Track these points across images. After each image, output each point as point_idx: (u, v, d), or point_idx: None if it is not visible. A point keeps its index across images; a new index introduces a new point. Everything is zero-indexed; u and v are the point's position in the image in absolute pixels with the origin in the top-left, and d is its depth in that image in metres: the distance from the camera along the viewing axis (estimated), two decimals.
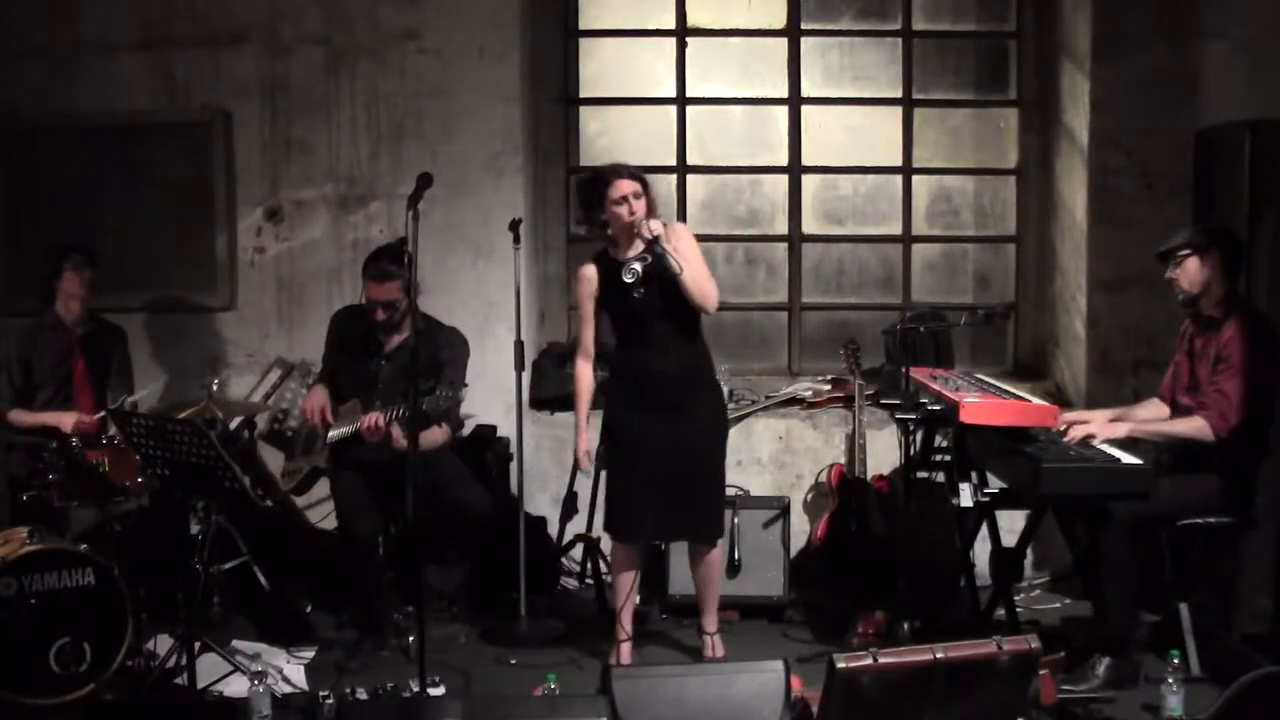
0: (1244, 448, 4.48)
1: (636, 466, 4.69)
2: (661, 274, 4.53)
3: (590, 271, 4.72)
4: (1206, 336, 4.61)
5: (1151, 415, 4.86)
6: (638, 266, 4.49)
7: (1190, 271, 4.59)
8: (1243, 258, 4.68)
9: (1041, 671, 3.82)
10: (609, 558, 4.93)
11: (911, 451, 4.90)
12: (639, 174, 4.64)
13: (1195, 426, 4.47)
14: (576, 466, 4.99)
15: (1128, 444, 4.49)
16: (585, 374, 4.81)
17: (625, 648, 4.83)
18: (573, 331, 6.40)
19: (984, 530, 4.91)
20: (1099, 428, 4.55)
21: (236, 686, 4.44)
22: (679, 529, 4.79)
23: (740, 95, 6.50)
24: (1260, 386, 4.46)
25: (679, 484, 4.66)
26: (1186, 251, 4.59)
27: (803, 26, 6.41)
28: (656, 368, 4.66)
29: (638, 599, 4.97)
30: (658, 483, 4.65)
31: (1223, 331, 4.53)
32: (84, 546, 4.49)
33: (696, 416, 4.70)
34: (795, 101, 6.43)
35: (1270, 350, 4.50)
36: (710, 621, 4.92)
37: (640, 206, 4.57)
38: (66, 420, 5.03)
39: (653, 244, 4.51)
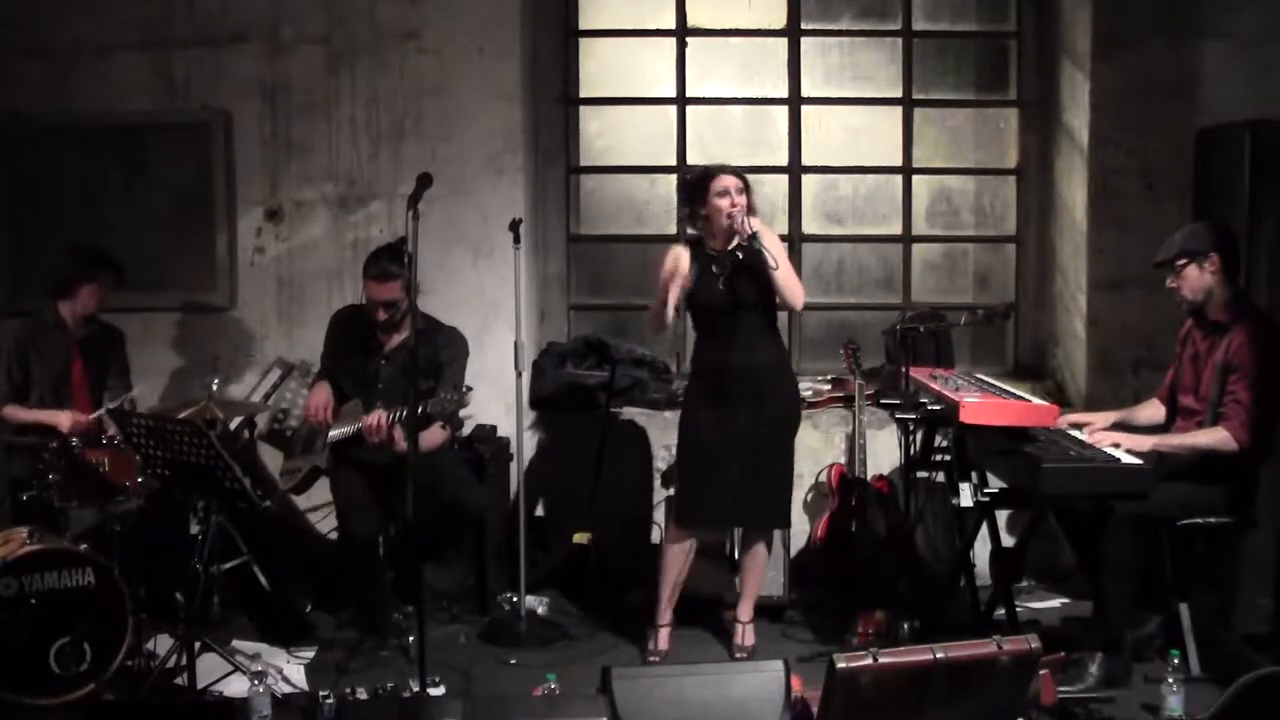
0: (1250, 450, 4.47)
1: (714, 458, 4.76)
2: (749, 269, 4.69)
3: (681, 251, 4.81)
4: (1212, 340, 4.59)
5: (1151, 417, 4.86)
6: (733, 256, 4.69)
7: (1190, 280, 4.57)
8: (1239, 258, 4.66)
9: (1041, 671, 3.82)
10: (663, 550, 5.00)
11: (911, 451, 4.90)
12: (743, 174, 4.78)
13: (1219, 438, 4.45)
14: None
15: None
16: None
17: (664, 633, 4.94)
18: (576, 333, 6.42)
19: (984, 530, 4.91)
20: (1124, 437, 4.53)
21: (236, 686, 4.44)
22: (750, 517, 4.87)
23: (740, 95, 6.50)
24: (1270, 392, 4.45)
25: (754, 473, 4.75)
26: (1184, 261, 4.57)
27: (803, 26, 6.41)
28: (736, 362, 4.74)
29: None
30: (735, 471, 4.74)
31: (1231, 337, 4.50)
32: (84, 546, 4.49)
33: (773, 406, 4.80)
34: (795, 101, 6.43)
35: (1277, 355, 4.48)
36: (745, 610, 4.99)
37: (741, 201, 4.69)
38: (63, 420, 5.02)
39: (751, 239, 4.62)
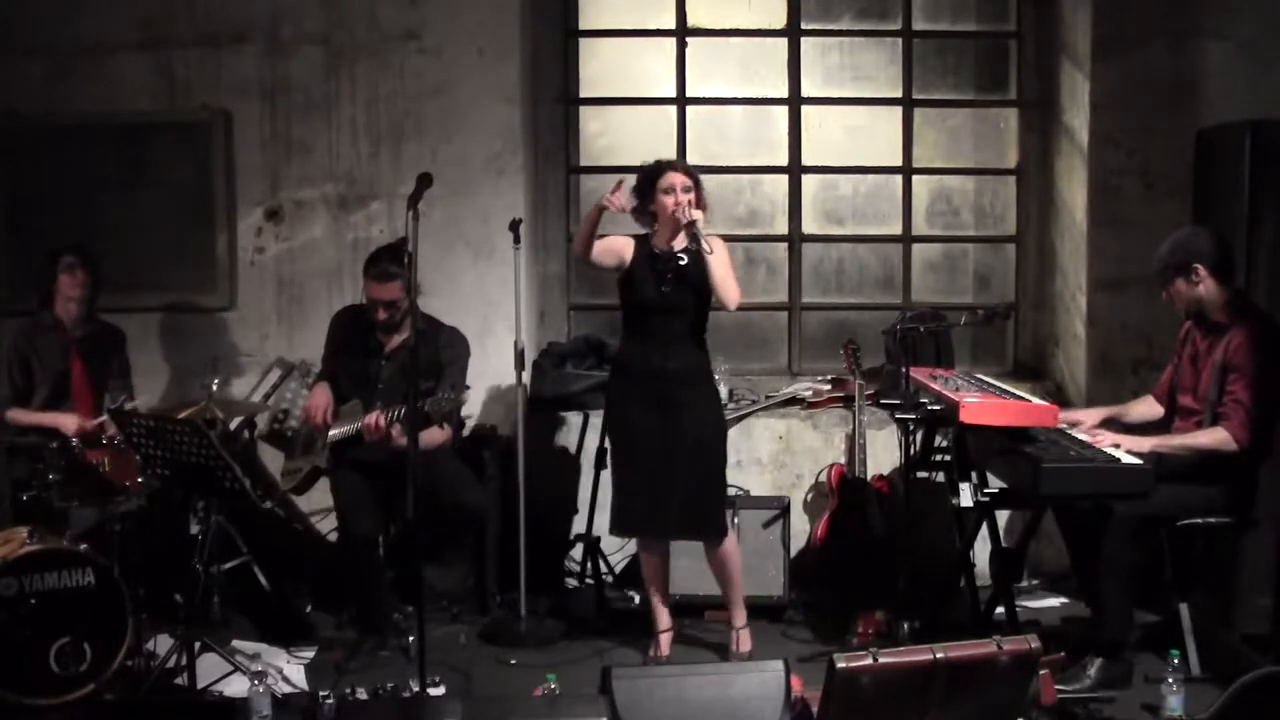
0: (1249, 450, 4.47)
1: (638, 464, 4.75)
2: (688, 274, 4.67)
3: (627, 242, 4.81)
4: (1211, 340, 4.59)
5: (1145, 413, 4.86)
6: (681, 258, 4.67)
7: (1180, 292, 4.59)
8: (1232, 257, 4.65)
9: (1041, 671, 3.82)
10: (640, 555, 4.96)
11: (911, 451, 4.89)
12: (693, 172, 4.78)
13: (1218, 438, 4.44)
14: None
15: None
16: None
17: (664, 639, 4.91)
18: (576, 333, 6.42)
19: (984, 530, 4.91)
20: (1124, 437, 4.52)
21: (236, 686, 4.44)
22: (679, 527, 4.79)
23: (740, 95, 6.50)
24: (1270, 392, 4.44)
25: (678, 482, 4.69)
26: (1169, 276, 4.58)
27: (803, 26, 6.41)
28: (661, 365, 4.70)
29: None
30: (657, 480, 4.70)
31: (1230, 337, 4.50)
32: (84, 546, 4.48)
33: (695, 415, 4.73)
34: (795, 101, 6.44)
35: (1277, 355, 4.48)
36: (737, 616, 4.92)
37: (686, 200, 4.67)
38: (68, 423, 5.02)
39: (690, 225, 4.60)
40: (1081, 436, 4.56)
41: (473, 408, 5.63)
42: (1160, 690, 4.07)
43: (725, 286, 4.64)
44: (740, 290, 4.72)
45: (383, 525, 5.10)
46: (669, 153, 6.38)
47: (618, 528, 4.89)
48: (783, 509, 5.55)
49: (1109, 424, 4.73)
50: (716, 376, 5.66)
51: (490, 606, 5.41)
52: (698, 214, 4.64)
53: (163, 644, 4.69)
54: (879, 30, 6.46)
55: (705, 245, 4.57)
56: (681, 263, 4.71)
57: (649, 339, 4.75)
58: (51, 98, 5.94)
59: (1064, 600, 5.62)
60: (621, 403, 4.84)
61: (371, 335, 5.12)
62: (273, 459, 5.55)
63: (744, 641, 4.91)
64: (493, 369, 5.76)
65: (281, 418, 5.61)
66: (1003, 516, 5.32)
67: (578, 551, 5.80)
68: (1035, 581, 5.82)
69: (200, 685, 4.44)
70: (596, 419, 5.66)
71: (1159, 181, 5.85)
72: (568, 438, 5.99)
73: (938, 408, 4.63)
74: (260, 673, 4.13)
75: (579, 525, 5.75)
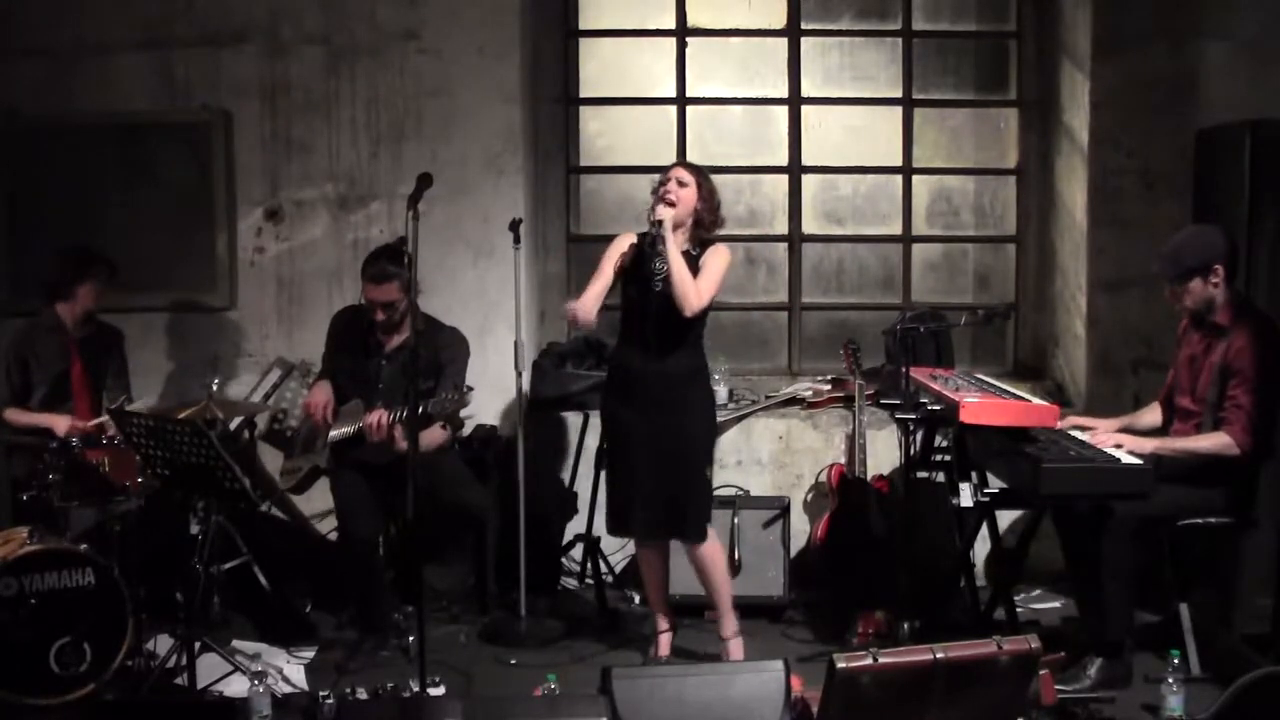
0: (1251, 452, 4.46)
1: (625, 463, 4.73)
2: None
3: (628, 240, 4.72)
4: (1209, 341, 4.59)
5: (1152, 421, 4.85)
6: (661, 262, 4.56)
7: (1195, 293, 4.54)
8: (1238, 257, 4.65)
9: (1041, 671, 3.82)
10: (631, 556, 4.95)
11: (911, 451, 4.89)
12: (701, 171, 4.71)
13: (1220, 443, 4.43)
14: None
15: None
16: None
17: (664, 639, 4.88)
18: (576, 333, 6.42)
19: (984, 530, 4.91)
20: (1126, 438, 4.51)
21: (236, 686, 4.44)
22: (654, 526, 4.74)
23: (740, 95, 6.50)
24: (1271, 395, 4.43)
25: (661, 483, 4.64)
26: (1187, 276, 4.54)
27: (803, 26, 6.42)
28: (643, 365, 4.65)
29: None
30: (635, 479, 4.67)
31: (1231, 340, 4.49)
32: (84, 546, 4.49)
33: (674, 416, 4.65)
34: (795, 101, 6.44)
35: (1278, 357, 4.47)
36: (725, 625, 4.80)
37: (683, 195, 4.61)
38: (60, 424, 5.02)
39: (656, 225, 4.53)
40: (1082, 437, 4.55)
41: (473, 408, 5.62)
42: (1160, 690, 4.07)
43: (681, 291, 4.50)
44: (705, 298, 4.55)
45: (383, 525, 5.10)
46: (669, 153, 6.41)
47: (608, 526, 4.88)
48: (783, 509, 5.55)
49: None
50: (716, 376, 5.68)
51: (490, 606, 5.40)
52: (666, 213, 4.55)
53: (163, 644, 4.69)
54: (879, 30, 6.46)
55: (662, 247, 4.51)
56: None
57: (635, 338, 4.69)
58: (51, 98, 5.94)
59: (1064, 600, 5.61)
60: (608, 401, 4.83)
61: (371, 335, 5.12)
62: (273, 459, 5.55)
63: (734, 653, 4.77)
64: (493, 369, 5.76)
65: (281, 418, 5.61)
66: (1003, 516, 5.32)
67: (578, 551, 5.82)
68: (1034, 583, 5.81)
69: (200, 685, 4.44)
70: (596, 419, 5.65)
71: (1159, 181, 5.85)
72: (568, 438, 5.99)
73: (938, 408, 4.64)
74: (260, 673, 4.14)
75: (579, 525, 5.76)
